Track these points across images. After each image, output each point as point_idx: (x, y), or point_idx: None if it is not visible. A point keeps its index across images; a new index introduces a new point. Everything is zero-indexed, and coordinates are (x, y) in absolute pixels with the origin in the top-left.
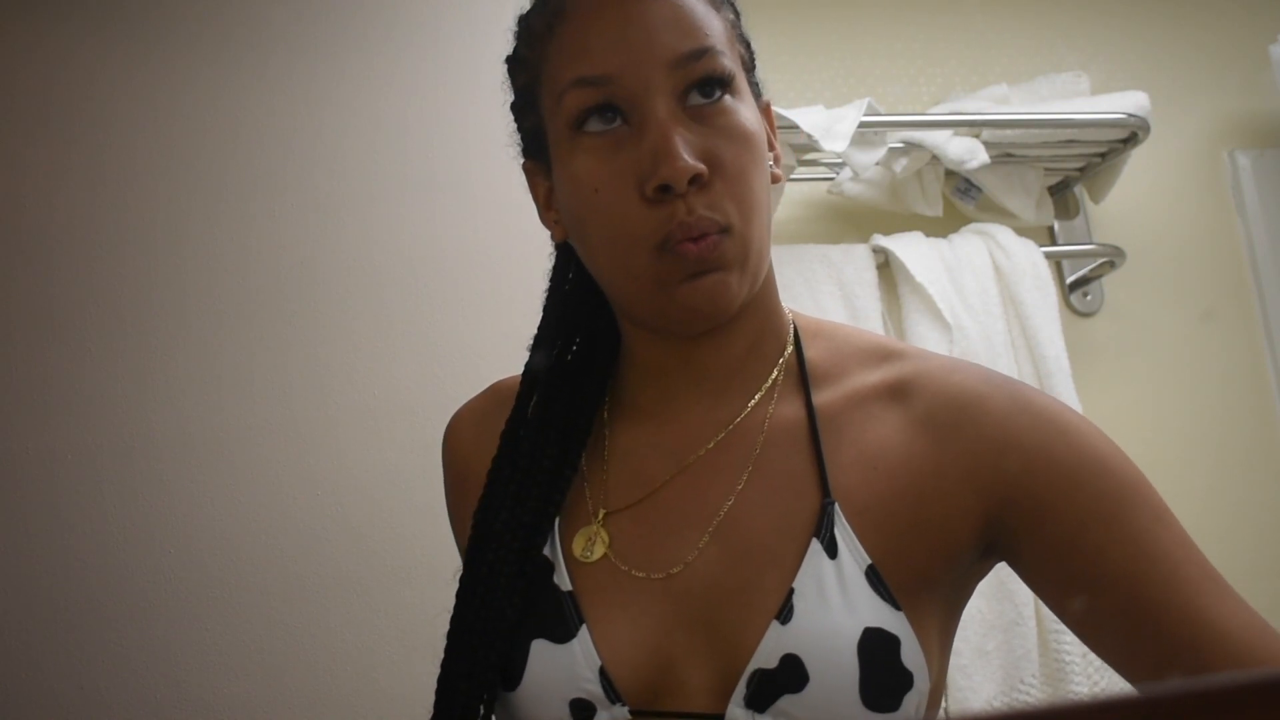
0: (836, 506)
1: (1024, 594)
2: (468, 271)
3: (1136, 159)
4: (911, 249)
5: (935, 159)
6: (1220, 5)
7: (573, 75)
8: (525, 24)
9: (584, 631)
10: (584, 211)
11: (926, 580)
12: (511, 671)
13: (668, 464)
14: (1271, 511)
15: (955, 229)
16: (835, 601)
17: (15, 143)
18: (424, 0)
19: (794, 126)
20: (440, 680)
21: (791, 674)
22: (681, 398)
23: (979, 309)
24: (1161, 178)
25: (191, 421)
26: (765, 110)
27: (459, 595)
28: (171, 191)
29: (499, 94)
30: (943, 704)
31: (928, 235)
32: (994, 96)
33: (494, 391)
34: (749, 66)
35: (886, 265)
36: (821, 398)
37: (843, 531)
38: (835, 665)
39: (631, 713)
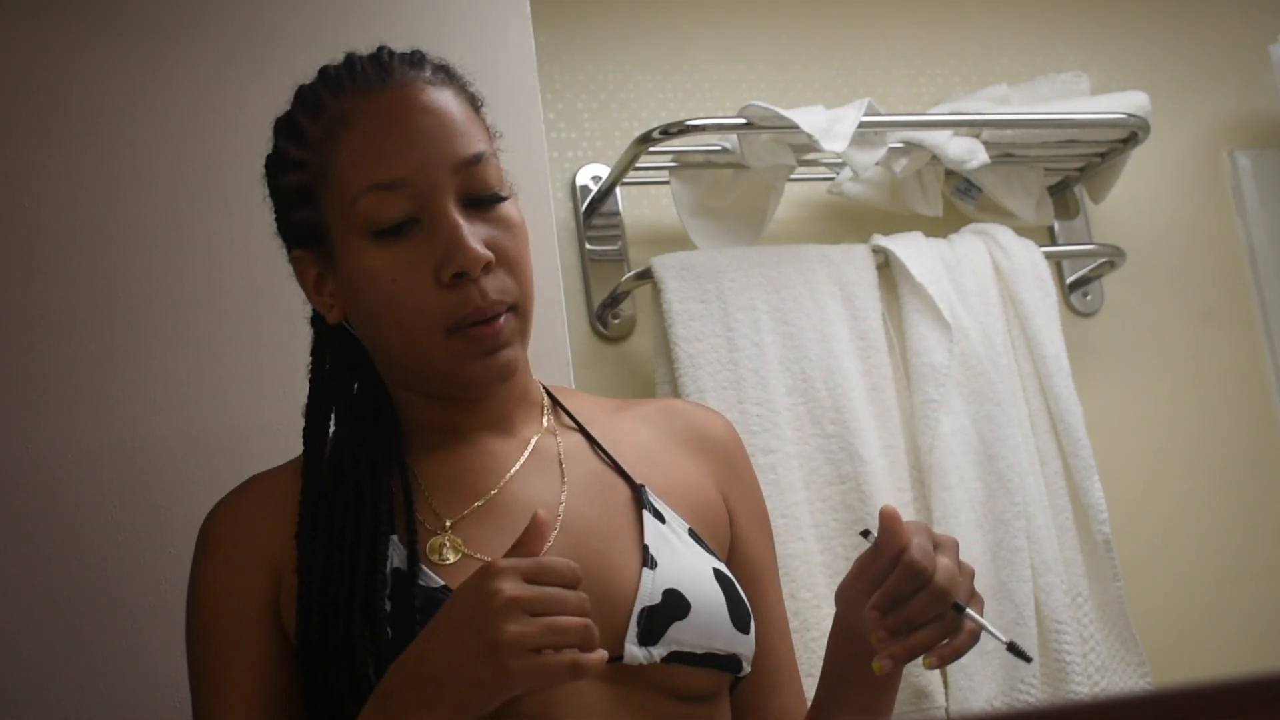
0: (647, 488)
1: (1024, 594)
2: None
3: (1136, 159)
4: (911, 249)
5: (935, 159)
6: (1220, 5)
7: (368, 180)
8: (294, 127)
9: None
10: (378, 301)
11: (720, 550)
12: None
13: (487, 479)
14: (1271, 511)
15: (955, 229)
16: (682, 550)
17: (11, 140)
18: (429, 1)
19: (794, 126)
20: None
21: (675, 603)
22: (473, 436)
23: (979, 309)
24: (1161, 178)
25: (192, 421)
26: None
27: (318, 630)
28: (171, 190)
29: (501, 93)
30: (943, 704)
31: (928, 235)
32: (994, 96)
33: (254, 482)
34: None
35: (886, 265)
36: (585, 420)
37: (660, 505)
38: (707, 592)
39: None
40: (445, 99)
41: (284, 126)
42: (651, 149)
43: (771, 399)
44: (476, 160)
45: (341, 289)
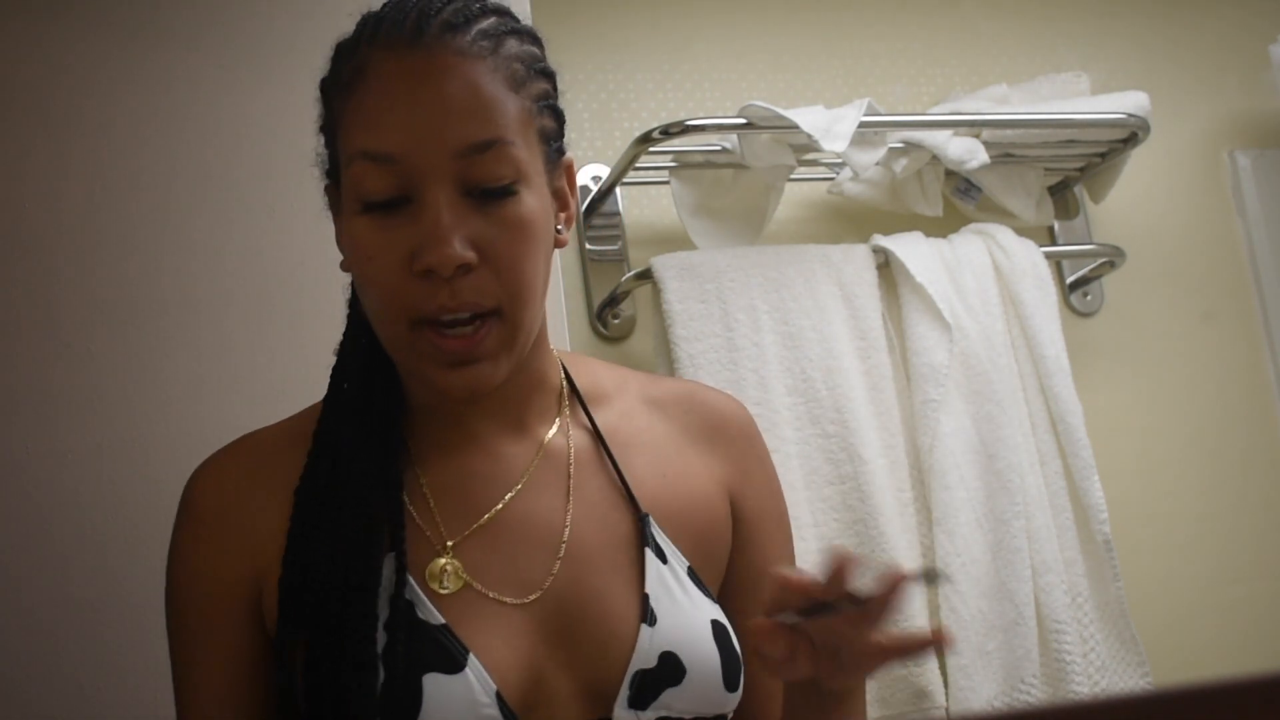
0: (651, 519)
1: (1024, 594)
2: None
3: (1136, 159)
4: (911, 249)
5: (935, 159)
6: (1220, 5)
7: (360, 146)
8: (335, 62)
9: (473, 659)
10: (357, 273)
11: (718, 574)
12: (401, 710)
13: (493, 491)
14: (1271, 511)
15: (955, 229)
16: (682, 601)
17: (15, 142)
18: None
19: (794, 126)
20: None
21: (670, 669)
22: (483, 431)
23: (979, 309)
24: (1161, 178)
25: (196, 421)
26: (566, 169)
27: (311, 656)
28: (175, 190)
29: None
30: (943, 704)
31: (928, 235)
32: (994, 96)
33: (246, 445)
34: (553, 135)
35: (886, 265)
36: (601, 419)
37: (662, 540)
38: (703, 655)
39: None
40: (473, 72)
41: (334, 55)
42: (651, 149)
43: (771, 399)
44: (483, 148)
45: (345, 252)
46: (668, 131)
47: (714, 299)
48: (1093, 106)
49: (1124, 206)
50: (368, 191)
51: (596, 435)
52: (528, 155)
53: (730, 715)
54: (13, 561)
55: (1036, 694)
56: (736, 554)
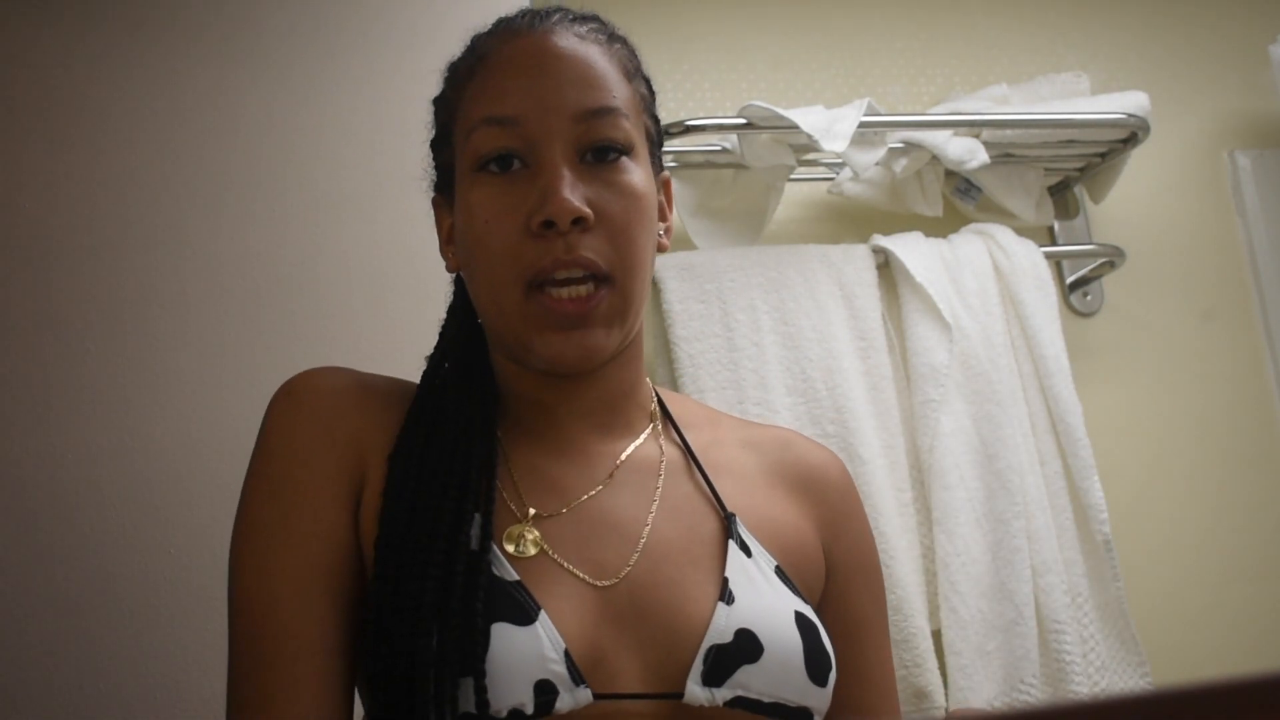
0: (738, 518)
1: (1024, 594)
2: None
3: (1136, 159)
4: (911, 249)
5: (935, 159)
6: (1220, 5)
7: (483, 114)
8: (452, 68)
9: (544, 615)
10: (473, 242)
11: (808, 592)
12: (467, 657)
13: (580, 481)
14: (1272, 511)
15: (955, 229)
16: (764, 588)
17: (14, 142)
18: (427, 0)
19: (794, 126)
20: (390, 673)
21: (747, 645)
22: (571, 429)
23: (979, 309)
24: (1161, 178)
25: (192, 421)
26: (665, 184)
27: (389, 595)
28: (172, 190)
29: None
30: (943, 704)
31: (928, 235)
32: (994, 96)
33: (351, 371)
34: (654, 141)
35: (886, 265)
36: (692, 439)
37: (749, 538)
38: (783, 636)
39: (594, 695)
40: (588, 50)
41: (446, 69)
42: None
43: (771, 399)
44: (602, 114)
45: (457, 235)
46: (668, 131)
47: (714, 299)
48: (1093, 106)
49: (1124, 206)
50: (489, 154)
51: (687, 451)
52: (638, 138)
53: (820, 716)
54: (11, 562)
55: (1036, 694)
56: (826, 605)
